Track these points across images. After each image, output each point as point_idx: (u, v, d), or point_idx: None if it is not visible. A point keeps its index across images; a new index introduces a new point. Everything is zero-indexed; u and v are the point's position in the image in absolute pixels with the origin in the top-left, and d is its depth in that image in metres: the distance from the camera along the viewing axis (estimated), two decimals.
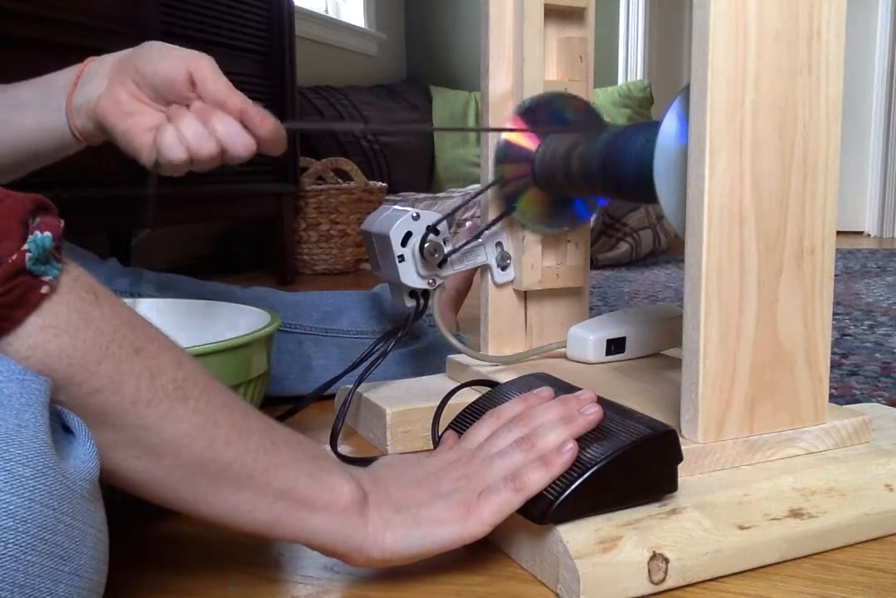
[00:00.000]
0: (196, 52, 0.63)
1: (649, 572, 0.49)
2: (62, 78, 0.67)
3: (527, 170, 0.76)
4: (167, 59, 0.62)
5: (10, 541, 0.32)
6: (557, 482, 0.50)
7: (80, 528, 0.35)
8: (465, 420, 0.60)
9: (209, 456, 0.42)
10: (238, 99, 0.61)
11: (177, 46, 0.64)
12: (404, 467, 0.52)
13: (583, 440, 0.52)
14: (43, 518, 0.33)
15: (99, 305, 0.39)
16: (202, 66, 0.62)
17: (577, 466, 0.50)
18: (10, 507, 0.32)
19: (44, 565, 0.33)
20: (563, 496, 0.49)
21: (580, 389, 0.57)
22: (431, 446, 0.65)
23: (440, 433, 0.62)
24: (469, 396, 0.67)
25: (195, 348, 0.57)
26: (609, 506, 0.51)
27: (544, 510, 0.49)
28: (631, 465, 0.51)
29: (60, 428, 0.37)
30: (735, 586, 0.51)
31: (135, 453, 0.40)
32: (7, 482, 0.32)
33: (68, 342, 0.37)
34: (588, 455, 0.50)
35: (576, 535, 0.49)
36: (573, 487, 0.49)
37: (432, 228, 0.75)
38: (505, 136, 0.76)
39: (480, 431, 0.55)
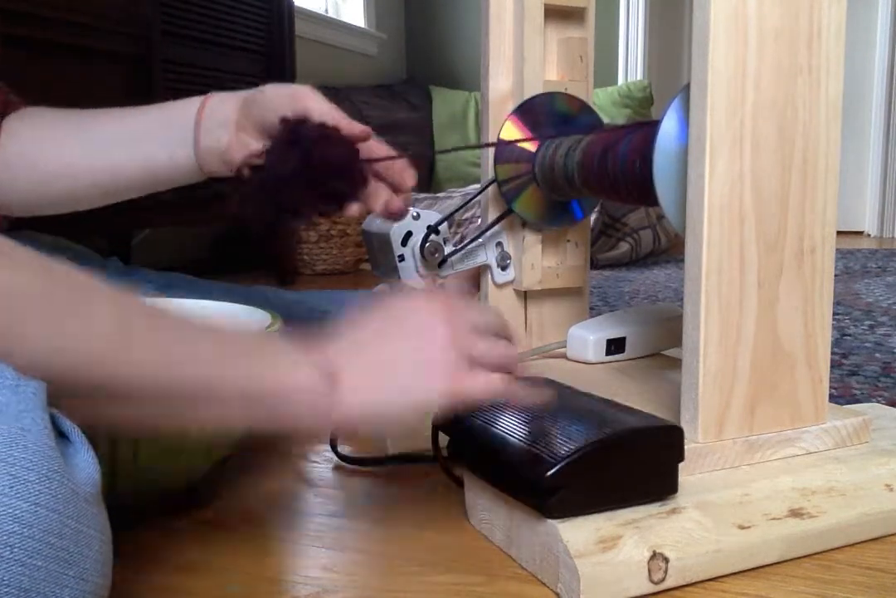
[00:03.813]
0: (301, 88, 0.65)
1: (649, 571, 0.49)
2: (181, 114, 0.68)
3: (526, 169, 0.76)
4: (277, 104, 0.65)
5: (17, 545, 0.32)
6: (561, 449, 0.50)
7: (85, 532, 0.35)
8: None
9: (166, 380, 0.42)
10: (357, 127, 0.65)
11: (284, 86, 0.66)
12: (364, 343, 0.52)
13: (590, 421, 0.52)
14: (48, 522, 0.33)
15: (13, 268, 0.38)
16: (308, 101, 0.65)
17: (582, 439, 0.50)
18: (16, 511, 0.32)
19: (49, 569, 0.33)
20: (565, 461, 0.49)
21: (580, 390, 0.57)
22: (431, 446, 0.66)
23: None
24: None
25: None
26: (609, 504, 0.51)
27: (544, 473, 0.49)
28: (635, 451, 0.51)
29: (56, 434, 0.37)
30: (735, 586, 0.51)
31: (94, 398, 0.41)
32: (12, 487, 0.32)
33: None
34: (594, 431, 0.51)
35: (576, 534, 0.49)
36: (576, 455, 0.49)
37: (433, 228, 0.75)
38: (503, 136, 0.76)
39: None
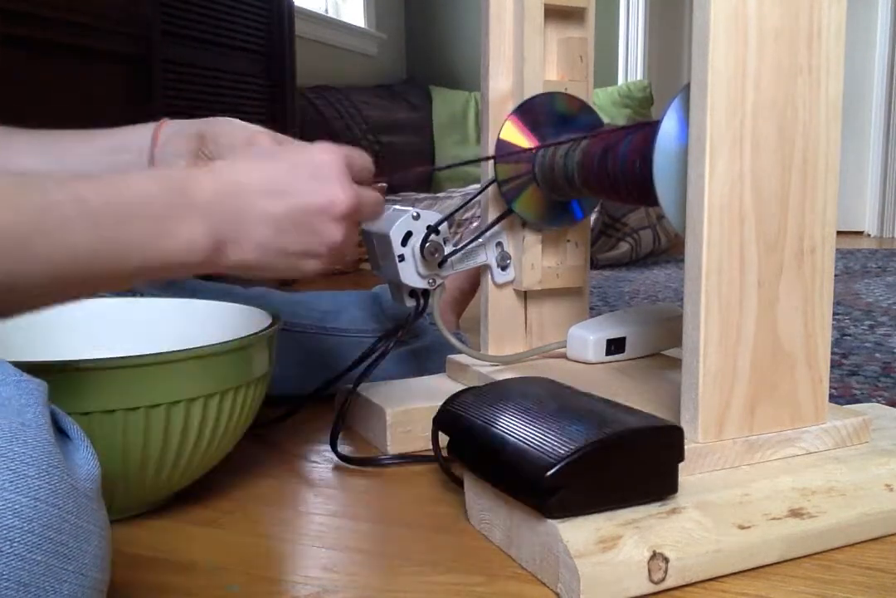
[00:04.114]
0: (256, 132, 0.66)
1: (649, 571, 0.49)
2: (134, 140, 0.68)
3: (526, 169, 0.76)
4: (233, 144, 0.66)
5: (16, 540, 0.32)
6: (561, 449, 0.50)
7: (84, 527, 0.35)
8: (459, 402, 0.60)
9: (70, 261, 0.43)
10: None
11: (239, 126, 0.67)
12: (256, 204, 0.52)
13: (590, 421, 0.52)
14: (48, 517, 0.33)
15: None
16: (261, 140, 0.66)
17: (582, 439, 0.50)
18: (16, 506, 0.32)
19: (49, 563, 0.33)
20: (565, 461, 0.49)
21: (580, 390, 0.57)
22: (431, 446, 0.66)
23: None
24: None
25: (197, 349, 0.57)
26: (609, 503, 0.51)
27: (544, 473, 0.49)
28: (635, 451, 0.51)
29: (56, 431, 0.37)
30: (735, 585, 0.51)
31: None
32: (12, 482, 0.32)
33: None
34: (594, 431, 0.51)
35: (576, 534, 0.49)
36: (576, 455, 0.49)
37: (433, 228, 0.75)
38: (504, 136, 0.76)
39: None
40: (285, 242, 0.52)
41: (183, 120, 0.69)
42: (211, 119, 0.68)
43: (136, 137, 0.68)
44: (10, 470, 0.32)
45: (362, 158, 0.60)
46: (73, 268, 0.44)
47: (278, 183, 0.52)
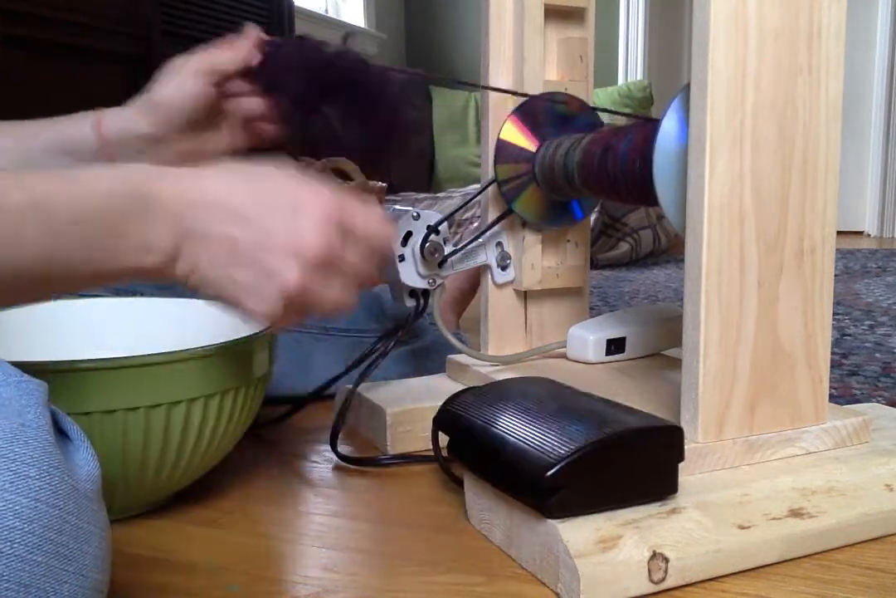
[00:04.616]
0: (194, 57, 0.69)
1: (649, 571, 0.49)
2: (74, 133, 0.67)
3: (526, 169, 0.76)
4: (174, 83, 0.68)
5: (17, 541, 0.32)
6: (561, 449, 0.50)
7: (85, 528, 0.35)
8: (459, 402, 0.60)
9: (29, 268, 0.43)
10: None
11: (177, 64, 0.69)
12: (229, 226, 0.48)
13: (590, 421, 0.52)
14: (49, 518, 0.33)
15: None
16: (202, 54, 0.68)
17: (582, 439, 0.50)
18: (17, 507, 0.32)
19: (49, 564, 0.33)
20: (565, 461, 0.49)
21: (580, 390, 0.57)
22: (431, 446, 0.66)
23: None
24: None
25: (196, 349, 0.57)
26: (609, 504, 0.51)
27: (544, 473, 0.49)
28: (635, 451, 0.51)
29: (56, 431, 0.37)
30: (735, 585, 0.51)
31: None
32: (13, 482, 0.32)
33: None
34: (594, 431, 0.51)
35: (576, 534, 0.49)
36: (576, 455, 0.49)
37: (433, 228, 0.75)
38: (504, 136, 0.76)
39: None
40: (235, 270, 0.48)
41: (118, 108, 0.68)
42: (153, 90, 0.68)
43: (75, 130, 0.67)
44: (11, 471, 0.32)
45: (359, 209, 0.52)
46: (24, 273, 0.42)
47: (247, 209, 0.48)
